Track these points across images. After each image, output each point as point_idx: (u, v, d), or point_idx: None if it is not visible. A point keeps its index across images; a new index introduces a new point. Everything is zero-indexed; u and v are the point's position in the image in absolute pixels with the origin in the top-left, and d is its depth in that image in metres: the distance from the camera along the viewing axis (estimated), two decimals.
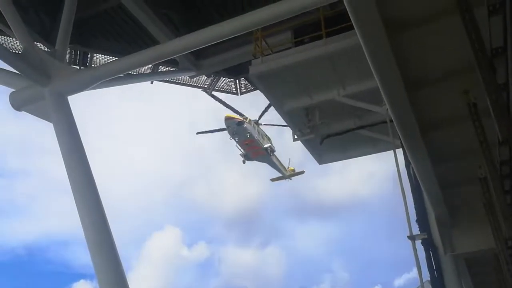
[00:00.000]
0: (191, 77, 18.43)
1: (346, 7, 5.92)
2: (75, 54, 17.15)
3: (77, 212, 10.78)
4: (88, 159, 11.50)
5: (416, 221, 12.56)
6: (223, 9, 15.89)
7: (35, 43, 13.81)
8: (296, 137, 15.47)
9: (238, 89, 20.46)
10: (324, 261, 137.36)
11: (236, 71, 18.96)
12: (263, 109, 30.66)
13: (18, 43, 15.25)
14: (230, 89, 20.48)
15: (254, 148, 32.92)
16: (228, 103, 29.29)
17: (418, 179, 10.81)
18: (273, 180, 41.09)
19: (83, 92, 12.49)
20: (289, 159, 39.15)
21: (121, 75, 13.35)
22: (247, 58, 15.06)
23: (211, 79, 19.55)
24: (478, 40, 4.89)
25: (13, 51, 15.71)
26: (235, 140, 32.20)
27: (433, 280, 12.27)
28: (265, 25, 11.57)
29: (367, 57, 6.76)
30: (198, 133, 36.97)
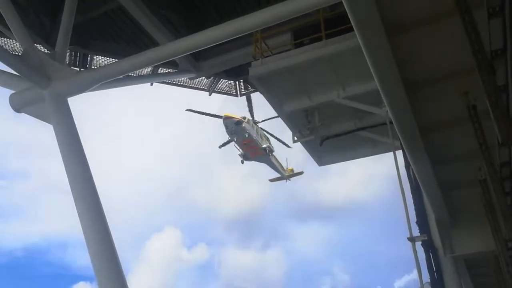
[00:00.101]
0: (191, 78, 18.42)
1: (346, 9, 5.92)
2: (75, 56, 17.17)
3: (76, 213, 10.78)
4: (88, 160, 11.51)
5: (416, 222, 12.57)
6: (223, 11, 15.90)
7: (35, 44, 13.81)
8: (296, 138, 15.48)
9: (238, 91, 20.46)
10: (324, 263, 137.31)
11: (236, 72, 18.97)
12: (263, 110, 30.57)
13: (18, 44, 15.26)
14: (230, 91, 20.48)
15: (252, 148, 32.75)
16: (228, 104, 29.25)
17: (418, 180, 10.81)
18: (272, 180, 40.91)
19: (83, 93, 12.50)
20: (286, 158, 38.90)
21: (121, 76, 13.34)
22: (247, 59, 15.07)
23: (211, 81, 19.55)
24: (478, 42, 4.89)
25: (13, 52, 15.73)
26: (233, 140, 32.03)
27: (433, 282, 12.26)
28: (265, 26, 11.59)
29: (367, 59, 6.77)
30: (187, 109, 35.57)
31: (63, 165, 11.30)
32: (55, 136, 11.58)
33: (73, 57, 17.13)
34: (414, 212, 12.63)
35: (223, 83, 19.98)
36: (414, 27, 6.44)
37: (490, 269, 12.02)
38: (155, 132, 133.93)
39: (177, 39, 13.16)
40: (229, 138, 31.93)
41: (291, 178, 40.70)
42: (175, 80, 18.85)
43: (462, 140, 8.19)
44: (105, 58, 17.62)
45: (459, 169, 9.82)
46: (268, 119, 31.90)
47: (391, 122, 10.60)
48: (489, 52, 5.34)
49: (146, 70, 17.71)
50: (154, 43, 15.58)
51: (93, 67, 17.52)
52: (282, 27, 14.06)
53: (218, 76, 19.31)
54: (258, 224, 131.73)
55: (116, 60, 16.75)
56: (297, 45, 13.79)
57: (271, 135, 33.61)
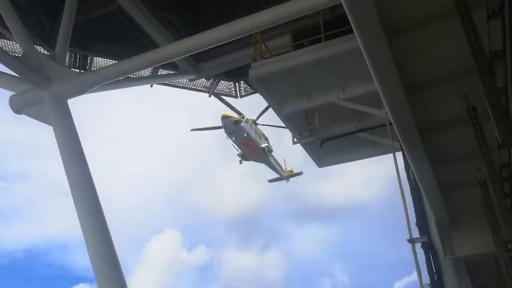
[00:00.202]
0: (190, 80, 18.42)
1: (346, 10, 5.93)
2: (75, 57, 17.16)
3: (76, 215, 10.77)
4: (88, 162, 11.50)
5: (416, 224, 12.57)
6: (223, 13, 15.91)
7: (35, 46, 13.80)
8: (295, 140, 15.49)
9: (238, 92, 20.46)
10: (324, 264, 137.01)
11: (235, 74, 18.96)
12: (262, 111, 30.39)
13: (18, 46, 15.25)
14: (229, 92, 20.48)
15: (251, 148, 32.42)
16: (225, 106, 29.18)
17: (418, 182, 10.82)
18: (270, 181, 40.57)
19: (83, 95, 12.50)
20: (284, 159, 38.62)
21: (121, 78, 13.34)
22: (247, 61, 15.08)
23: (210, 82, 19.54)
24: (477, 43, 4.90)
25: (13, 54, 15.72)
26: (231, 139, 31.82)
27: (433, 283, 12.26)
28: (265, 28, 11.60)
29: (366, 60, 6.77)
30: (192, 130, 35.82)
31: (63, 166, 11.30)
32: (55, 138, 11.58)
33: (73, 59, 17.12)
34: (414, 214, 12.64)
35: (223, 84, 19.98)
36: (413, 28, 6.45)
37: (490, 270, 12.03)
38: (155, 133, 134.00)
39: (177, 41, 13.16)
40: (227, 137, 31.70)
41: (291, 179, 40.48)
42: (175, 81, 18.85)
43: (462, 142, 8.20)
44: (105, 59, 17.61)
45: (459, 170, 9.83)
46: (272, 125, 31.85)
47: (390, 124, 10.62)
48: (489, 53, 5.35)
49: (146, 72, 17.70)
50: (154, 45, 15.58)
51: (93, 68, 17.51)
52: (282, 29, 14.08)
53: (218, 77, 19.31)
54: (258, 225, 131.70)
55: (116, 61, 16.74)
56: (297, 47, 13.81)
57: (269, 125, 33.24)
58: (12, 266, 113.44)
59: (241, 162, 34.27)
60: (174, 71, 17.73)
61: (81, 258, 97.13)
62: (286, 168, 38.98)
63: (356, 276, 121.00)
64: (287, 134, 16.43)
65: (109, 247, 10.52)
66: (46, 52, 15.29)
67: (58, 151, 11.41)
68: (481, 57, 4.95)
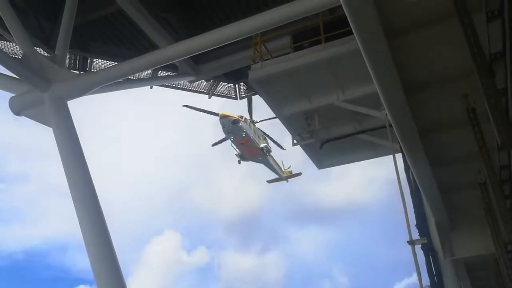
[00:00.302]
0: (190, 81, 18.45)
1: (345, 12, 5.94)
2: (75, 59, 17.18)
3: (76, 217, 10.77)
4: (88, 163, 11.51)
5: (416, 225, 12.57)
6: (223, 14, 15.93)
7: (35, 48, 13.82)
8: (295, 141, 15.49)
9: (238, 94, 20.49)
10: (323, 265, 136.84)
11: (235, 76, 18.99)
12: (262, 113, 30.32)
13: (18, 48, 15.28)
14: (229, 94, 20.50)
15: (249, 147, 32.20)
16: (227, 107, 29.11)
17: (418, 183, 10.82)
18: (269, 181, 40.34)
19: (83, 96, 12.51)
20: (282, 161, 38.44)
21: (121, 80, 13.37)
22: (247, 63, 15.10)
23: (210, 84, 19.57)
24: (477, 45, 4.90)
25: (13, 56, 15.74)
26: (230, 139, 31.70)
27: (433, 285, 12.24)
28: (265, 30, 11.61)
29: (366, 62, 6.78)
30: (184, 105, 34.71)
31: (63, 168, 11.30)
32: (55, 139, 11.58)
33: (73, 60, 17.15)
34: (414, 215, 12.64)
35: (223, 86, 20.01)
36: (413, 29, 6.46)
37: (490, 272, 12.01)
38: (155, 135, 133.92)
39: (177, 42, 13.17)
40: (225, 136, 31.58)
41: (291, 180, 40.33)
42: (174, 83, 18.87)
43: (462, 143, 8.20)
44: (105, 61, 17.64)
45: (458, 172, 9.83)
46: (267, 119, 31.54)
47: (390, 125, 10.61)
48: (488, 55, 5.35)
49: (146, 73, 17.74)
50: (154, 46, 15.59)
51: (93, 70, 17.53)
52: (282, 31, 14.10)
53: (217, 79, 19.33)
54: (257, 227, 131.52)
55: (116, 63, 16.77)
56: (297, 48, 13.83)
57: (267, 135, 33.23)
58: (12, 268, 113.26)
59: (239, 162, 34.12)
60: (174, 72, 17.76)
61: (81, 260, 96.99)
62: (285, 169, 38.84)
63: (355, 278, 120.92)
64: (287, 136, 16.44)
65: (109, 248, 10.52)
66: (46, 54, 15.31)
67: (58, 153, 11.42)
68: (481, 59, 4.95)
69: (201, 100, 20.51)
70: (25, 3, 15.08)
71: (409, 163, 9.90)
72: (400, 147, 9.53)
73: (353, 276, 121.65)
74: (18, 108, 12.18)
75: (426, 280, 12.22)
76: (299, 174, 39.82)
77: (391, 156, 12.81)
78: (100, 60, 17.61)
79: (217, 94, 20.21)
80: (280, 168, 37.66)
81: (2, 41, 16.11)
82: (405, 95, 7.40)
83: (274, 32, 13.80)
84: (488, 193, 7.91)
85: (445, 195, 10.87)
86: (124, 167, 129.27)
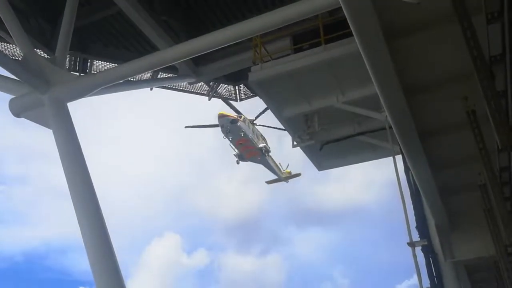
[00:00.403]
0: (190, 83, 18.45)
1: (345, 14, 5.94)
2: (75, 61, 17.18)
3: (76, 218, 10.76)
4: (88, 165, 11.49)
5: (416, 227, 12.56)
6: (223, 16, 15.94)
7: (35, 49, 13.82)
8: (295, 143, 15.48)
9: (238, 96, 20.48)
10: (324, 267, 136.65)
11: (235, 77, 18.99)
12: (264, 114, 30.11)
13: (18, 49, 15.27)
14: (229, 96, 20.50)
15: (248, 148, 31.93)
16: (227, 108, 29.01)
17: (418, 185, 10.82)
18: (268, 182, 40.03)
19: (83, 98, 12.51)
20: (280, 163, 38.27)
21: (121, 81, 13.35)
22: (247, 64, 15.09)
23: (210, 86, 19.57)
24: (477, 47, 4.91)
25: (13, 57, 15.74)
26: (228, 139, 31.48)
27: (433, 287, 12.24)
28: (265, 31, 11.61)
29: (366, 64, 6.78)
30: (186, 127, 35.14)
31: (62, 170, 11.29)
32: (54, 141, 11.58)
33: (73, 62, 17.14)
34: (414, 217, 12.63)
35: (223, 88, 20.01)
36: (413, 32, 6.46)
37: (491, 274, 12.00)
38: (155, 135, 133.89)
39: (177, 44, 13.17)
40: (224, 136, 31.43)
41: (291, 182, 40.15)
42: (174, 85, 18.87)
43: (462, 145, 8.20)
44: (105, 63, 17.64)
45: (458, 174, 9.83)
46: (268, 126, 31.51)
47: (390, 127, 10.60)
48: (488, 57, 5.35)
49: (146, 75, 17.73)
50: (153, 48, 15.60)
51: (93, 72, 17.53)
52: (282, 32, 14.12)
53: (217, 81, 19.33)
54: (257, 228, 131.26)
55: (116, 65, 16.77)
56: (297, 50, 13.82)
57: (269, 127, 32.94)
58: (12, 270, 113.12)
59: (238, 163, 33.85)
60: (174, 74, 17.76)
61: (81, 262, 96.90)
62: (285, 170, 38.68)
63: (356, 280, 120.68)
64: (287, 137, 16.43)
65: (108, 250, 10.50)
66: (46, 56, 15.33)
67: (58, 155, 11.41)
68: (481, 61, 4.95)
69: (201, 101, 20.48)
70: (25, 5, 15.09)
71: (409, 165, 9.90)
72: (400, 149, 9.54)
73: (354, 277, 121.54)
74: (18, 109, 12.17)
75: (426, 282, 12.23)
76: (298, 174, 39.64)
77: (391, 158, 12.79)
78: (100, 62, 17.61)
79: (217, 95, 20.22)
80: (279, 168, 37.48)
81: (2, 43, 16.10)
82: (405, 96, 7.40)
83: (274, 34, 13.81)
84: (488, 195, 7.90)
85: (445, 197, 10.87)
86: (124, 168, 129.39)
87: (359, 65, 7.45)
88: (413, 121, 7.98)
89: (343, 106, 13.78)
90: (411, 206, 12.59)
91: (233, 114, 29.57)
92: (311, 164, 17.67)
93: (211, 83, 19.40)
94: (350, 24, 6.09)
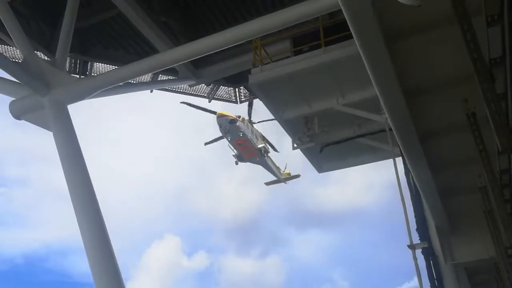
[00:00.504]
0: (190, 86, 18.45)
1: (345, 16, 5.95)
2: (75, 63, 17.20)
3: (76, 221, 10.76)
4: (88, 167, 11.50)
5: (416, 229, 12.55)
6: (223, 18, 15.97)
7: (35, 52, 13.83)
8: (295, 145, 15.48)
9: (238, 98, 20.49)
10: (324, 270, 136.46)
11: (235, 79, 18.99)
12: (262, 116, 29.94)
13: (18, 52, 15.30)
14: (229, 98, 20.50)
15: (247, 148, 31.64)
16: (227, 110, 28.98)
17: (418, 187, 10.81)
18: (267, 184, 39.64)
19: (83, 100, 12.52)
20: (278, 166, 38.02)
21: (121, 84, 13.34)
22: (247, 67, 15.10)
23: (210, 88, 19.57)
24: (477, 50, 4.91)
25: (13, 60, 15.76)
26: (227, 139, 31.22)
27: None
28: (265, 34, 11.62)
29: (366, 66, 6.79)
30: (181, 102, 33.79)
31: (62, 172, 11.29)
32: (55, 143, 11.58)
33: (73, 64, 17.17)
34: (414, 219, 12.62)
35: (223, 90, 20.00)
36: (413, 34, 6.47)
37: (491, 276, 11.98)
38: (155, 137, 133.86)
39: (177, 47, 13.19)
40: (220, 136, 31.18)
41: (291, 184, 39.88)
42: (175, 87, 18.88)
43: (462, 147, 8.20)
44: (105, 65, 17.66)
45: (459, 176, 9.83)
46: (265, 120, 31.14)
47: (390, 129, 10.62)
48: (488, 60, 5.36)
49: (146, 77, 17.73)
50: (154, 51, 15.62)
51: (93, 74, 17.55)
52: (282, 35, 14.12)
53: (217, 83, 19.34)
54: (257, 231, 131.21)
55: (116, 67, 16.79)
56: (297, 52, 13.83)
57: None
58: (12, 272, 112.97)
59: (237, 163, 33.56)
60: (174, 76, 17.76)
61: (81, 264, 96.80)
62: (284, 171, 38.46)
63: (356, 282, 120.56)
64: (287, 140, 16.42)
65: (108, 252, 10.49)
66: (46, 58, 15.34)
67: (58, 157, 11.42)
68: (481, 64, 4.96)
69: (201, 104, 20.52)
70: (25, 8, 15.12)
71: (409, 167, 9.89)
72: (400, 151, 9.53)
73: (354, 280, 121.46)
74: (18, 112, 12.18)
75: (426, 284, 12.21)
76: (297, 176, 39.43)
77: (391, 160, 12.79)
78: (100, 64, 17.63)
79: (217, 98, 20.22)
80: (279, 169, 37.20)
81: (3, 45, 16.13)
82: (405, 99, 7.41)
83: (274, 36, 13.82)
84: (488, 197, 7.91)
85: (446, 199, 10.86)
86: (124, 169, 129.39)
87: (359, 67, 7.45)
88: (413, 123, 7.99)
89: (343, 108, 13.78)
90: (411, 208, 12.58)
91: (232, 114, 29.47)
92: (311, 166, 17.66)
93: (211, 85, 19.40)
94: (350, 26, 6.10)
